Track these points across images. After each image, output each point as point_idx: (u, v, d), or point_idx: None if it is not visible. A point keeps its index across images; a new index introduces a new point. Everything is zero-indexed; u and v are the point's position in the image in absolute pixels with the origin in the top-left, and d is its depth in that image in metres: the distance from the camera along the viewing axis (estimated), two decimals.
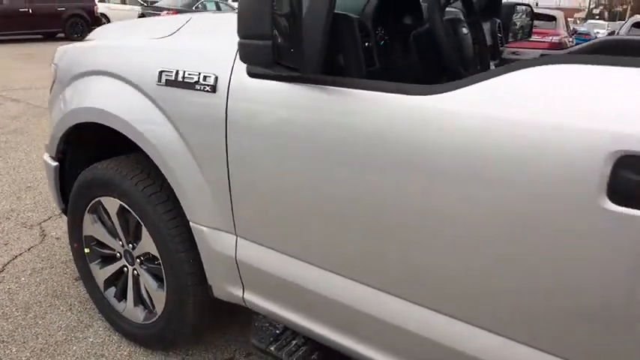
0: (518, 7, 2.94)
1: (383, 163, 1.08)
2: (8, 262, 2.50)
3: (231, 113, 1.32)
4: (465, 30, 1.71)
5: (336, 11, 1.36)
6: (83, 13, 14.77)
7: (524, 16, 3.02)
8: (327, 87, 1.15)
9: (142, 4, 18.15)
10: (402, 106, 1.04)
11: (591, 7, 65.96)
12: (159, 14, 14.26)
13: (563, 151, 0.86)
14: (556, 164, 0.87)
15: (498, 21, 2.57)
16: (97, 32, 2.09)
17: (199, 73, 1.37)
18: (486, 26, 2.52)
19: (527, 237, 0.92)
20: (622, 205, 0.82)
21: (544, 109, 0.88)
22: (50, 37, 14.22)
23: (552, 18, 9.80)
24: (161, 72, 1.47)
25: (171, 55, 1.48)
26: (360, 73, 1.40)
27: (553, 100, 0.88)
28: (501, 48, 2.59)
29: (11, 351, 1.89)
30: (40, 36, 13.82)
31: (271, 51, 1.00)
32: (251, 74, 1.25)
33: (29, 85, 7.21)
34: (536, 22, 9.44)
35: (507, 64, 0.95)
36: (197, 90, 1.38)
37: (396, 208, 1.08)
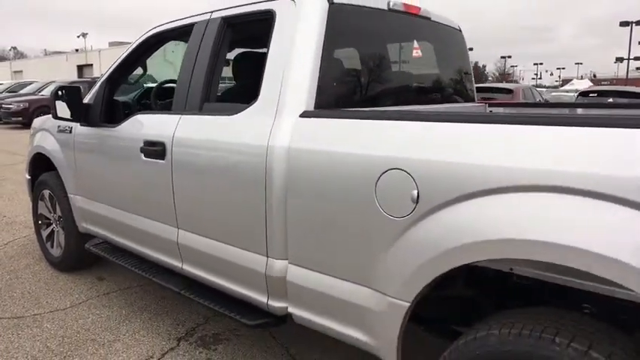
0: None
1: (113, 157, 2.84)
2: (11, 241, 4.40)
3: (75, 141, 3.15)
4: None
5: (117, 99, 3.22)
6: None
7: None
8: (102, 128, 2.96)
9: None
10: (109, 130, 2.83)
11: None
12: None
13: (139, 138, 2.61)
14: (133, 140, 2.61)
15: None
16: None
17: (66, 126, 3.24)
18: None
19: (142, 173, 2.65)
20: (146, 157, 2.54)
21: (138, 128, 2.65)
22: None
23: (509, 91, 11.38)
24: (58, 126, 3.35)
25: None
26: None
27: (138, 124, 2.65)
28: None
29: None
30: None
31: (55, 114, 2.84)
32: (80, 124, 3.10)
33: None
34: (494, 94, 10.92)
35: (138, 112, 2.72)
36: (66, 133, 3.24)
37: (124, 171, 2.83)
